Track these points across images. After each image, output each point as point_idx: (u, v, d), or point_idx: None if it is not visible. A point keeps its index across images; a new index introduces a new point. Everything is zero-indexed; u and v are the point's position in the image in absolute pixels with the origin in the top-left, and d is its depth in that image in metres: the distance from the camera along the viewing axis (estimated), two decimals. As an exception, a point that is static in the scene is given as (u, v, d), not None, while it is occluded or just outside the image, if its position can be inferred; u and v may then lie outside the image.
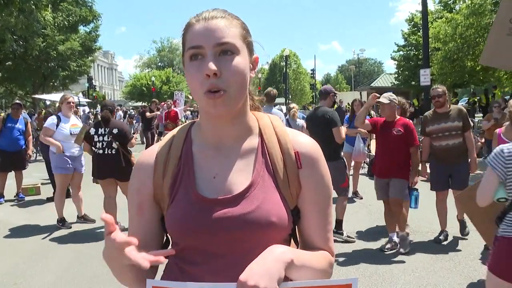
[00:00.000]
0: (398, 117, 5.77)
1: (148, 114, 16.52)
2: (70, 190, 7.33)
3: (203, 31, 1.17)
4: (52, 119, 6.86)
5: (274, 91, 7.73)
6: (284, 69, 44.00)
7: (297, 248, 1.33)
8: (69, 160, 6.75)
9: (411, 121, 5.99)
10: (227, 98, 1.16)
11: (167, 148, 1.30)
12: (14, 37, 21.60)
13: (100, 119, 6.43)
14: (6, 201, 8.82)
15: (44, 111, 14.94)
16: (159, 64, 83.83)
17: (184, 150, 1.29)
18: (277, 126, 1.31)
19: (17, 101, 9.83)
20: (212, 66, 1.12)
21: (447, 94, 5.89)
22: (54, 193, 8.64)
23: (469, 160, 5.86)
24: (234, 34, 1.19)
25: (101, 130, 6.14)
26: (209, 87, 1.14)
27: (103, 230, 4.92)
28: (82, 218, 7.01)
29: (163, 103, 17.11)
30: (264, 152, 1.26)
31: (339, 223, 6.09)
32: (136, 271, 1.18)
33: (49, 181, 8.83)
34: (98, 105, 36.21)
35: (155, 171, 1.27)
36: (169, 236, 1.32)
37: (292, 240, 1.32)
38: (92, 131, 6.18)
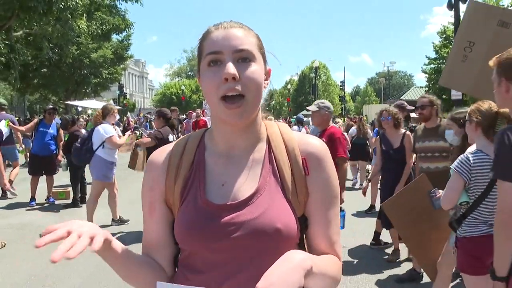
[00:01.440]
0: (330, 125, 5.35)
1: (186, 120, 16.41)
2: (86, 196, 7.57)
3: (222, 37, 1.19)
4: (110, 127, 7.01)
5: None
6: (314, 80, 43.97)
7: None
8: (114, 169, 7.04)
9: (339, 130, 5.52)
10: (244, 107, 1.17)
11: (180, 152, 1.31)
12: (50, 45, 22.25)
13: (169, 125, 6.94)
14: (37, 204, 9.00)
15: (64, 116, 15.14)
16: (189, 73, 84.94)
17: (196, 155, 1.30)
18: (284, 133, 1.32)
19: (51, 106, 10.01)
20: (232, 69, 1.14)
21: (436, 106, 5.02)
22: (80, 197, 9.00)
23: None
24: (251, 43, 1.21)
25: (175, 136, 6.67)
26: (227, 91, 1.15)
27: (132, 234, 4.96)
28: (119, 221, 7.25)
29: (191, 112, 17.24)
30: (271, 159, 1.26)
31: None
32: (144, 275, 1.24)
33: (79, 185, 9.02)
34: (128, 112, 36.87)
35: (168, 172, 1.29)
36: None
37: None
38: (171, 137, 6.56)
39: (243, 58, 1.18)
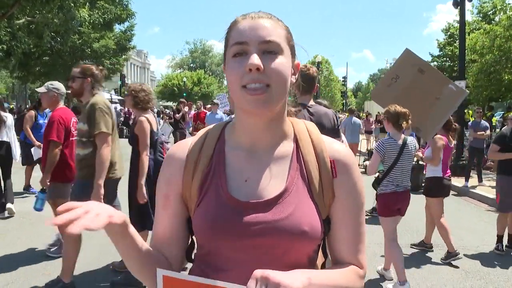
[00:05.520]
0: (60, 106, 5.14)
1: (177, 116, 16.25)
2: None
3: (248, 28, 1.15)
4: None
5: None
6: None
7: (325, 261, 1.29)
8: None
9: (67, 112, 5.17)
10: (268, 95, 1.12)
11: (199, 146, 1.26)
12: (52, 34, 22.12)
13: None
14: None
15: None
16: (191, 65, 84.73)
17: (216, 149, 1.25)
18: (313, 132, 1.28)
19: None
20: (256, 60, 1.10)
21: (91, 77, 4.26)
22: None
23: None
24: (279, 35, 1.17)
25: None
26: (249, 81, 1.11)
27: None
28: None
29: (190, 103, 17.14)
30: (299, 158, 1.23)
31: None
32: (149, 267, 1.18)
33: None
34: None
35: (185, 167, 1.24)
36: (194, 239, 1.28)
37: (320, 251, 1.28)
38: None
39: (269, 51, 1.14)
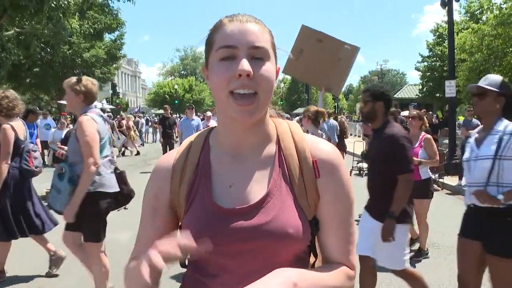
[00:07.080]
0: None
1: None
2: None
3: (238, 32, 1.13)
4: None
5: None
6: (307, 78, 43.97)
7: (316, 260, 1.29)
8: None
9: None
10: (255, 104, 1.12)
11: (184, 155, 1.27)
12: (42, 44, 22.06)
13: None
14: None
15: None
16: (182, 72, 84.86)
17: (201, 157, 1.25)
18: (295, 132, 1.27)
19: (29, 108, 10.23)
20: (247, 66, 1.09)
21: None
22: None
23: None
24: (266, 40, 1.16)
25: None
26: (238, 86, 1.10)
27: (126, 238, 4.82)
28: None
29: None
30: (281, 160, 1.22)
31: None
32: None
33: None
34: (121, 112, 36.73)
35: (172, 177, 1.25)
36: None
37: (311, 253, 1.27)
38: None
39: (258, 57, 1.13)
